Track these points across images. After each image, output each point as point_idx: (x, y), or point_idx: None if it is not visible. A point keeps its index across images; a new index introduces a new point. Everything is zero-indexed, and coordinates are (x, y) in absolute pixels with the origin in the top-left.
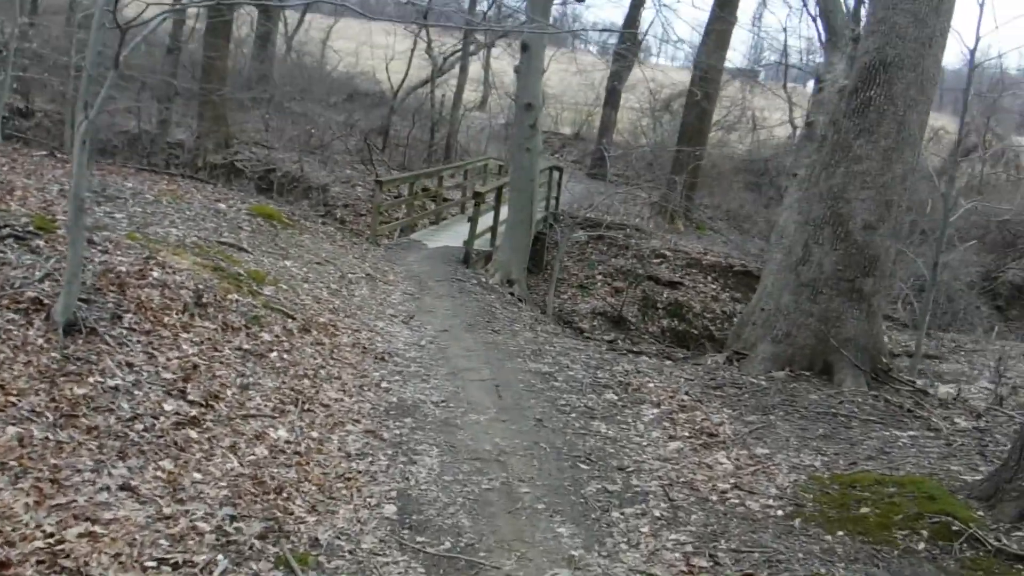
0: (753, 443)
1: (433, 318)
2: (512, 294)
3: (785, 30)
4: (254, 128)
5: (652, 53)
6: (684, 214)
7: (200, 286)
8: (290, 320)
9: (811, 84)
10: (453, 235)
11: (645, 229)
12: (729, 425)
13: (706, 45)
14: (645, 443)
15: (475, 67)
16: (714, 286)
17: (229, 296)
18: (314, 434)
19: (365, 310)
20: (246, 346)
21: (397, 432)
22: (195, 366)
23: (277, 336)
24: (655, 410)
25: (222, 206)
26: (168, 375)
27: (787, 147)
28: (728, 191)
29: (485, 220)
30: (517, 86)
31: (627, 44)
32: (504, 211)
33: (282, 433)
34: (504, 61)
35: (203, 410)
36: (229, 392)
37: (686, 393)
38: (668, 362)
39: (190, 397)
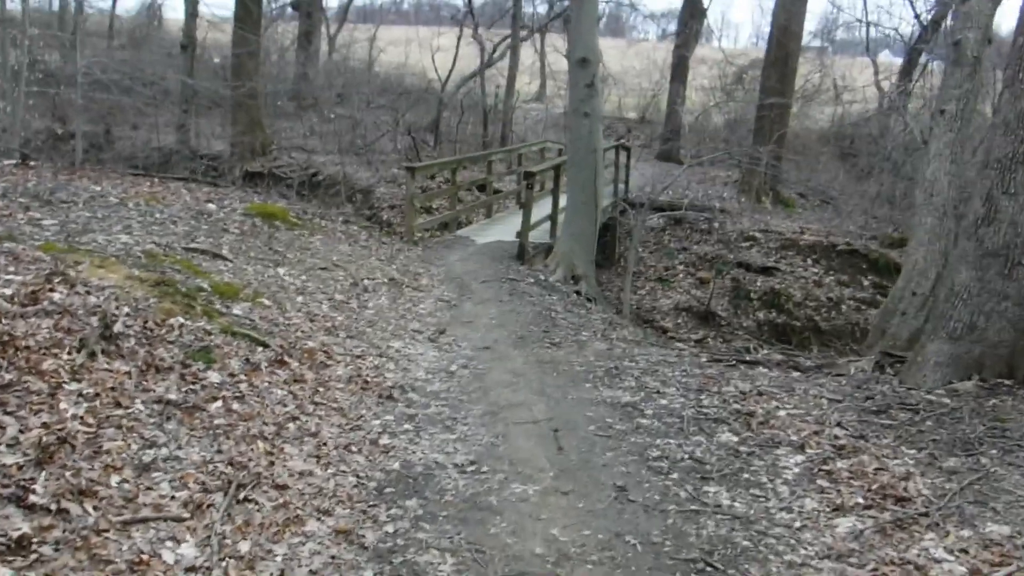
0: (974, 512)
1: (472, 331)
2: (578, 293)
3: None
4: (295, 133)
5: (714, 35)
6: (771, 191)
7: (120, 310)
8: (260, 349)
9: (884, 54)
10: (506, 229)
11: (729, 209)
12: (921, 479)
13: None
14: (797, 524)
15: (529, 55)
16: (815, 269)
17: (169, 321)
18: (243, 547)
19: (378, 326)
20: (172, 396)
21: (390, 529)
22: (63, 440)
23: (232, 375)
24: (799, 457)
25: (211, 206)
26: (9, 460)
27: (875, 114)
28: (815, 165)
29: (543, 208)
30: (568, 38)
31: (687, 26)
32: (565, 197)
33: (186, 552)
34: (560, 50)
35: (49, 521)
36: (115, 480)
37: (838, 424)
38: (795, 374)
39: (32, 499)
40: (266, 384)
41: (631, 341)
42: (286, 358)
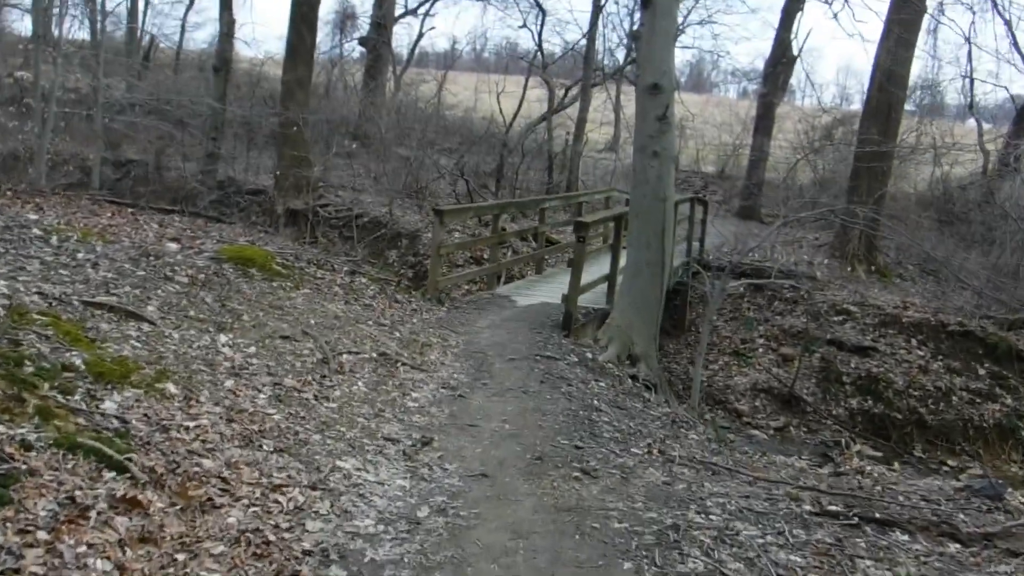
0: None
1: (473, 441)
2: (634, 378)
3: (968, 40)
4: (351, 171)
5: (796, 94)
6: (866, 258)
7: None
8: (111, 475)
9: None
10: (556, 288)
11: (818, 277)
12: None
13: (887, 43)
14: None
15: (601, 101)
16: (921, 352)
17: None
18: None
19: (334, 431)
20: None
21: None
22: None
23: (26, 530)
24: None
25: (172, 246)
26: None
27: (988, 177)
28: (914, 231)
29: (601, 266)
30: (638, 58)
31: (775, 69)
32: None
33: None
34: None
35: None
36: None
37: None
38: (954, 548)
39: None
40: (83, 549)
41: (700, 465)
42: (148, 493)
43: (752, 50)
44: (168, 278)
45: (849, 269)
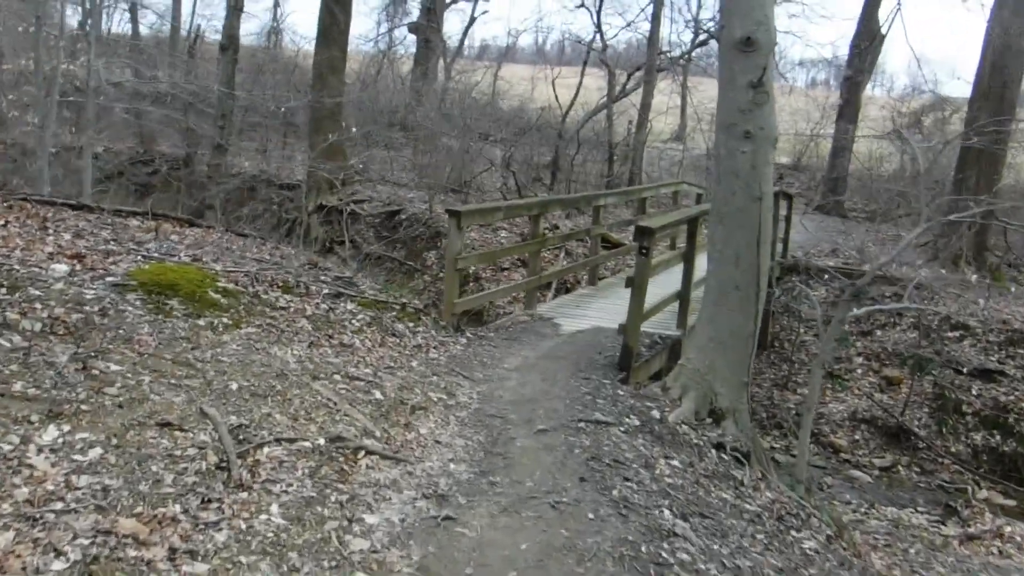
0: None
1: None
2: (720, 447)
3: None
4: (395, 164)
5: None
6: (976, 259)
7: None
8: None
9: None
10: (612, 307)
11: (927, 284)
12: None
13: (1000, 12)
14: None
15: (667, 94)
16: None
17: None
18: None
19: None
20: None
21: None
22: None
23: None
24: None
25: (58, 268)
26: None
27: None
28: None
29: (668, 277)
30: (723, 4)
31: (861, 47)
32: (701, 263)
33: None
34: (705, 88)
35: None
36: None
37: None
38: None
39: None
40: None
41: None
42: None
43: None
44: (4, 325)
45: (954, 271)
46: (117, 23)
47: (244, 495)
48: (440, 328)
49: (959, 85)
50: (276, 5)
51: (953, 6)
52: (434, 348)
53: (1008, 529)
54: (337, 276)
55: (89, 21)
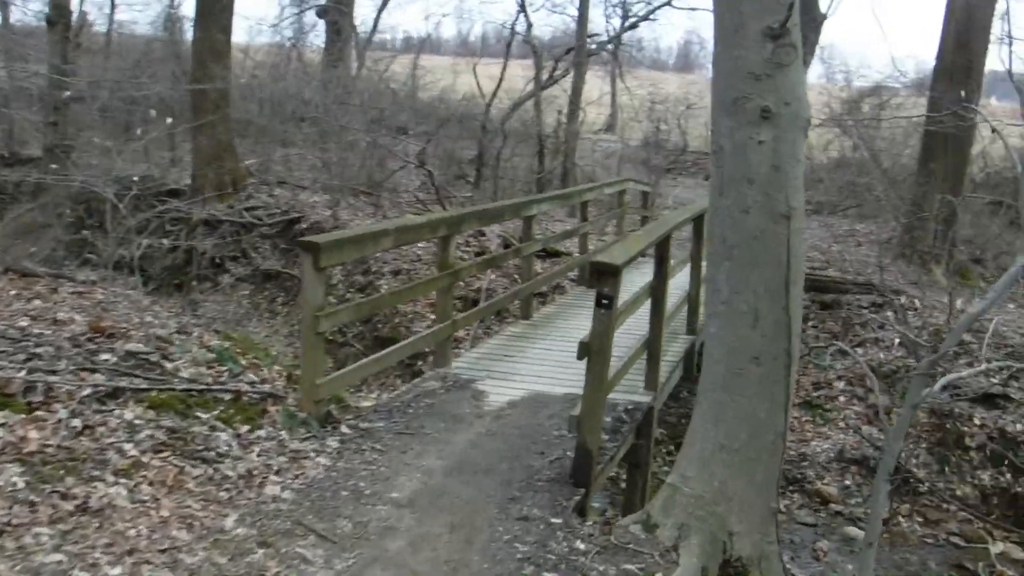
0: None
1: None
2: None
3: None
4: (301, 164)
5: None
6: (947, 258)
7: None
8: None
9: None
10: (556, 354)
11: (906, 290)
12: None
13: None
14: None
15: (599, 78)
16: None
17: None
18: None
19: None
20: None
21: None
22: None
23: None
24: None
25: None
26: None
27: None
28: (985, 220)
29: (636, 325)
30: None
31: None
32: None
33: None
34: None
35: None
36: None
37: None
38: None
39: None
40: None
41: None
42: None
43: None
44: None
45: (926, 273)
46: None
47: None
48: (298, 425)
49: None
50: None
51: None
52: (277, 474)
53: None
54: (130, 352)
55: None
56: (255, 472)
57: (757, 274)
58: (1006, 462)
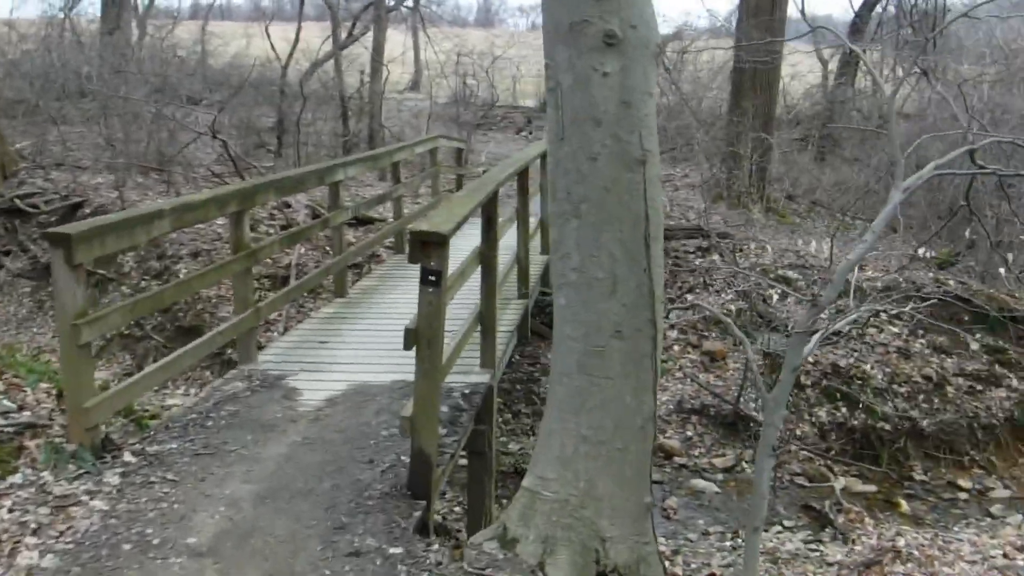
0: None
1: None
2: None
3: None
4: (83, 142)
5: None
6: (761, 196)
7: None
8: None
9: None
10: (377, 336)
11: (731, 232)
12: None
13: None
14: None
15: (399, 39)
16: (895, 329)
17: None
18: None
19: None
20: None
21: None
22: None
23: None
24: None
25: None
26: None
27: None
28: (791, 157)
29: (461, 302)
30: None
31: None
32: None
33: None
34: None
35: None
36: None
37: None
38: None
39: None
40: None
41: None
42: None
43: None
44: None
45: (743, 210)
46: None
47: None
48: (66, 461)
49: None
50: None
51: None
52: (35, 533)
53: (901, 542)
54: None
55: None
56: (4, 536)
57: (612, 232)
58: (839, 396)
